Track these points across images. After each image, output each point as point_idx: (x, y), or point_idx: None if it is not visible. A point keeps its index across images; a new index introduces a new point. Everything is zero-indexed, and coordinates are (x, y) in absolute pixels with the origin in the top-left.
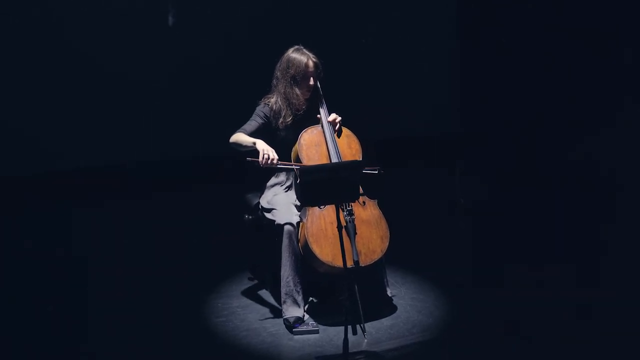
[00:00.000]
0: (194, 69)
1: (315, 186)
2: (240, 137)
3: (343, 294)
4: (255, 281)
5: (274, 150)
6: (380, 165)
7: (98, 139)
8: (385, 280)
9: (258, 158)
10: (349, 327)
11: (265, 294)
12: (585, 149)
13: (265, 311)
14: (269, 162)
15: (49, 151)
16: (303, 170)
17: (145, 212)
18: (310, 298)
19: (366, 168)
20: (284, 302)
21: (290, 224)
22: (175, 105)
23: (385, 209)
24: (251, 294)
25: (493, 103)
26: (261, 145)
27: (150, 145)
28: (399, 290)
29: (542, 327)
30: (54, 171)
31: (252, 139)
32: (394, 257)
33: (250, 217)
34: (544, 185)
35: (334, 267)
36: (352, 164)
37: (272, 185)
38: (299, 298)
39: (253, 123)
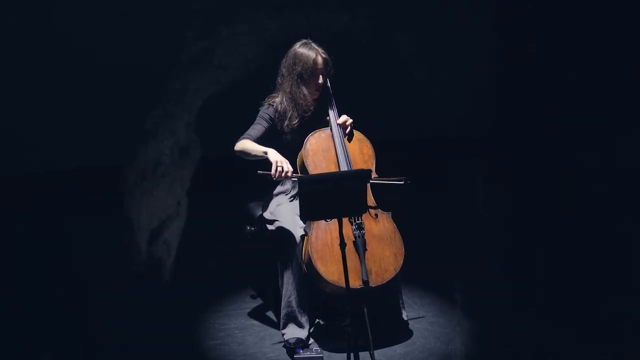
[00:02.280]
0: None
1: (317, 198)
2: (248, 145)
3: (346, 320)
4: (258, 299)
5: (287, 162)
6: (405, 176)
7: (97, 139)
8: (400, 301)
9: (270, 171)
10: (352, 354)
11: (268, 313)
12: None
13: (266, 334)
14: (283, 174)
15: (47, 151)
16: (302, 181)
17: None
18: (317, 320)
19: (391, 178)
20: (284, 324)
21: (294, 237)
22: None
23: (400, 221)
24: (252, 313)
25: (521, 107)
26: (274, 156)
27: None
28: (417, 313)
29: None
30: (52, 171)
31: (262, 148)
32: (412, 275)
33: (253, 228)
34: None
35: (341, 287)
36: (359, 173)
37: (277, 194)
38: (303, 319)
39: (258, 127)
